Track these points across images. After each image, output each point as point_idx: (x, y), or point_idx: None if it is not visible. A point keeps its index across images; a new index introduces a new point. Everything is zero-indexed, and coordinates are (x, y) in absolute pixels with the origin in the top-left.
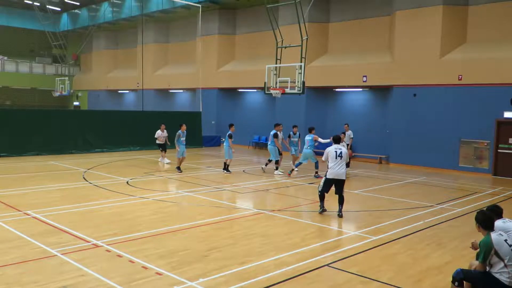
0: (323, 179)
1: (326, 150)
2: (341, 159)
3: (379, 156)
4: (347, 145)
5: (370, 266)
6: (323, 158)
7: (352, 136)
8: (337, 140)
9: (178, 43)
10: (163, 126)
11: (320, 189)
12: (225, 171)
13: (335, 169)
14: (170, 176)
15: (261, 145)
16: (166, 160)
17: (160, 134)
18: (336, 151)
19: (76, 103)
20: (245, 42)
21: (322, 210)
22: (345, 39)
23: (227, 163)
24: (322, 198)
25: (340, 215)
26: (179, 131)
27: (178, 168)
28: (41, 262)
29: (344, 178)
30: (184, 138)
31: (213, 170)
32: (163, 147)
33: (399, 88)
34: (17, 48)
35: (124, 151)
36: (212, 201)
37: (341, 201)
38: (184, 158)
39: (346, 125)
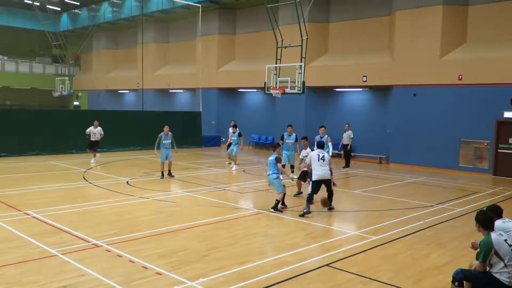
0: (311, 183)
1: (309, 154)
2: (323, 161)
3: (379, 156)
4: (347, 145)
5: (370, 266)
6: (306, 161)
7: (352, 136)
8: (321, 146)
9: (178, 43)
10: (96, 122)
11: (310, 192)
12: (273, 210)
13: (319, 170)
14: (170, 176)
15: (261, 145)
16: (93, 160)
17: (92, 130)
18: (318, 155)
19: (76, 103)
20: (245, 42)
21: (308, 211)
22: (345, 39)
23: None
24: (310, 200)
25: (331, 208)
26: (161, 133)
27: (162, 174)
28: (41, 262)
29: (329, 177)
30: (168, 141)
31: (213, 170)
32: (96, 145)
33: (399, 88)
34: (17, 48)
35: (124, 151)
36: (212, 201)
37: (330, 196)
38: (171, 163)
39: (347, 125)
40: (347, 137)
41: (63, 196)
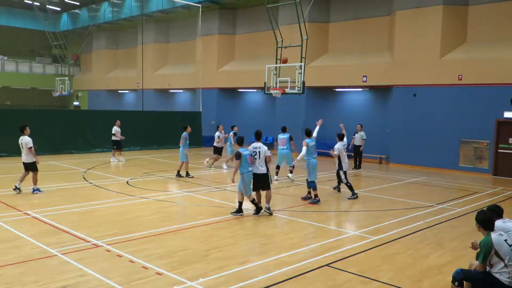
0: (342, 173)
1: (335, 146)
2: (346, 152)
3: (379, 156)
4: (359, 146)
5: (370, 266)
6: (335, 152)
7: (365, 137)
8: (341, 137)
9: (178, 43)
10: (118, 122)
11: (346, 181)
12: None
13: (346, 160)
14: (170, 176)
15: None
16: (122, 159)
17: (118, 130)
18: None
19: (76, 103)
20: (245, 42)
21: (356, 196)
22: (345, 39)
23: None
24: (352, 186)
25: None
26: (184, 133)
27: (187, 173)
28: (41, 262)
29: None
30: (188, 141)
31: (213, 170)
32: (119, 145)
33: (399, 88)
34: (17, 48)
35: (124, 151)
36: (212, 201)
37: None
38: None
39: (359, 126)
40: (359, 138)
41: (63, 196)
